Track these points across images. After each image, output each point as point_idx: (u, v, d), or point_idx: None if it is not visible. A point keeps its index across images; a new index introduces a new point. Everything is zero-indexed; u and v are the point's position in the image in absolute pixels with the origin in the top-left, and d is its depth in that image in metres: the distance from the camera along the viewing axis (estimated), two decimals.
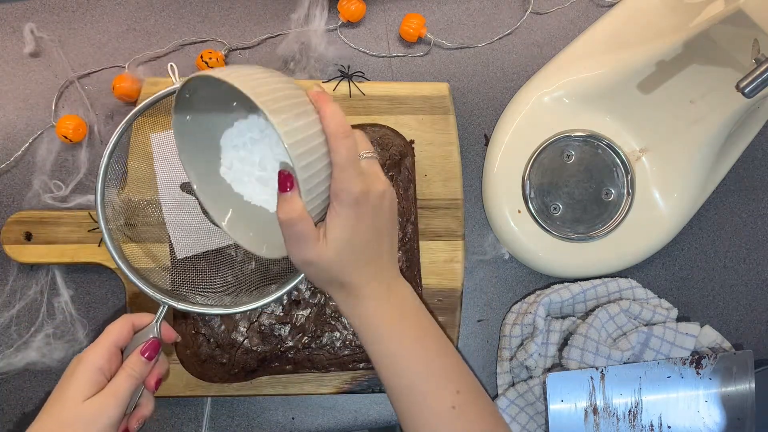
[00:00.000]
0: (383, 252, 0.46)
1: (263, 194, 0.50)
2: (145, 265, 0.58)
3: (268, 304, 0.55)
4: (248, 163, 0.49)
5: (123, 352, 0.49)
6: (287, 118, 0.40)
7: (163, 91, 0.54)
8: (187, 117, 0.47)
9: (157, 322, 0.51)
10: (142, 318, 0.51)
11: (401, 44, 0.68)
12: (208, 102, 0.47)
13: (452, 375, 0.46)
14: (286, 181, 0.42)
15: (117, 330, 0.49)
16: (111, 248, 0.53)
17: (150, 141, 0.59)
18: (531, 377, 0.63)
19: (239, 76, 0.40)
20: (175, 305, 0.52)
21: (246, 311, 0.54)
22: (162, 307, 0.52)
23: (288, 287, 0.54)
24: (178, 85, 0.52)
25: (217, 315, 0.58)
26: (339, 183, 0.42)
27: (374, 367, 0.47)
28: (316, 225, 0.43)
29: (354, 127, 0.62)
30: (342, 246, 0.43)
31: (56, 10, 0.66)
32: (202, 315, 0.58)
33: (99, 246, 0.61)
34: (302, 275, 0.54)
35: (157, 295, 0.53)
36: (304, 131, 0.40)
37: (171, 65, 0.54)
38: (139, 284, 0.53)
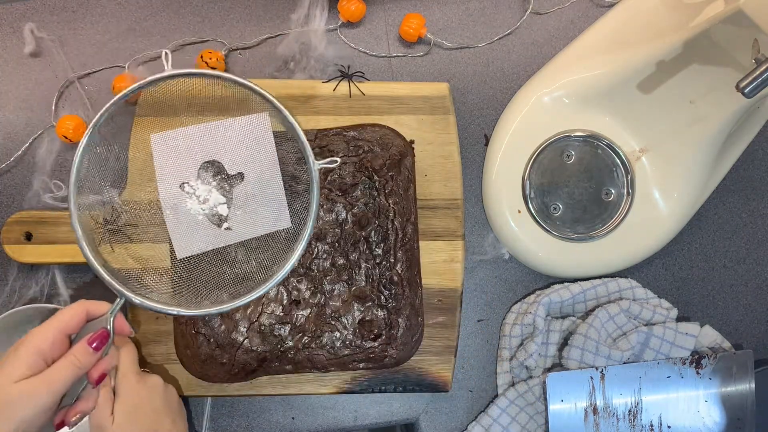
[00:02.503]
0: None
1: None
2: (145, 265, 0.58)
3: (225, 311, 0.52)
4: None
5: (73, 340, 0.48)
6: None
7: (152, 77, 0.51)
8: None
9: (111, 313, 0.48)
10: (98, 306, 0.49)
11: (401, 44, 0.68)
12: None
13: None
14: (102, 378, 0.48)
15: (68, 316, 0.47)
16: (77, 226, 0.50)
17: (150, 141, 0.59)
18: (531, 377, 0.63)
19: None
20: (132, 298, 0.49)
21: (205, 314, 0.52)
22: (118, 299, 0.49)
23: (269, 285, 0.52)
24: (170, 71, 0.51)
25: (173, 315, 0.54)
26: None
27: None
28: None
29: (354, 127, 0.62)
30: None
31: (56, 10, 0.66)
32: (162, 312, 0.55)
33: (98, 246, 0.61)
34: (272, 284, 0.52)
35: (115, 285, 0.50)
36: None
37: (165, 52, 0.53)
38: (100, 269, 0.50)
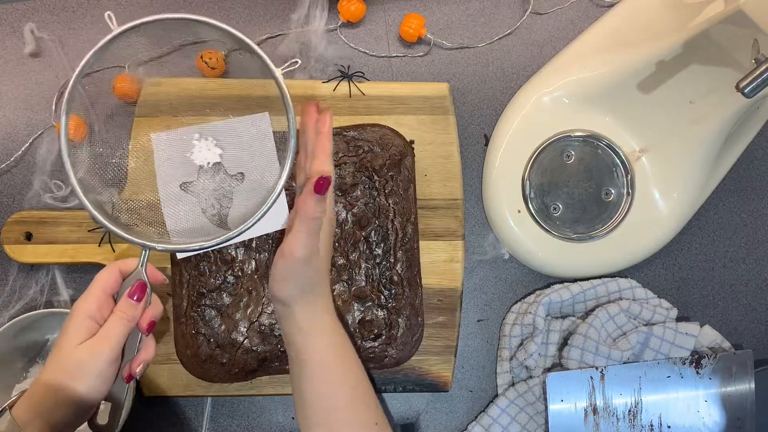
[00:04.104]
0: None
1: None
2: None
3: (245, 230, 0.53)
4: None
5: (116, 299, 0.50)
6: None
7: (108, 36, 0.52)
8: None
9: (141, 266, 0.51)
10: (128, 263, 0.52)
11: (401, 44, 0.68)
12: None
13: (371, 405, 0.52)
14: (327, 185, 0.48)
15: (105, 277, 0.49)
16: (80, 194, 0.51)
17: (150, 141, 0.59)
18: (531, 377, 0.63)
19: None
20: (155, 246, 0.52)
21: (224, 241, 0.53)
22: (143, 251, 0.52)
23: (264, 210, 0.53)
24: (117, 30, 0.52)
25: (197, 250, 0.58)
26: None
27: (294, 391, 0.52)
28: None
29: (354, 127, 0.62)
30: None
31: (56, 10, 0.66)
32: (183, 252, 0.58)
33: (99, 246, 0.61)
34: (274, 197, 0.53)
35: (137, 240, 0.52)
36: None
37: (108, 14, 0.53)
38: (116, 229, 0.51)
